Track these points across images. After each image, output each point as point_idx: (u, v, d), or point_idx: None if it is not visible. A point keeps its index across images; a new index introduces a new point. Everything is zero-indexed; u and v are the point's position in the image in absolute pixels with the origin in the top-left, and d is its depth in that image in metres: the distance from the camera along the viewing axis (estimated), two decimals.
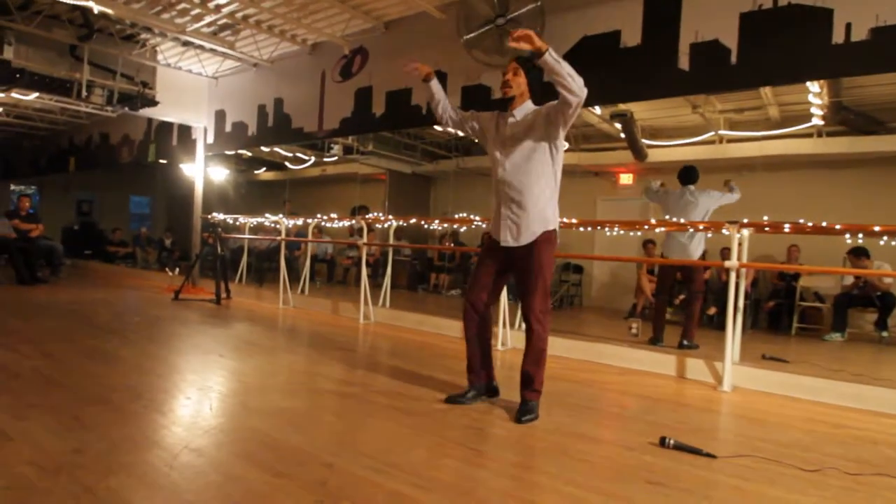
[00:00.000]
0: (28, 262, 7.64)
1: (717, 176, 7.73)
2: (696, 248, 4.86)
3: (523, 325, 2.88)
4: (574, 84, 2.47)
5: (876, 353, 5.50)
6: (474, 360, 2.93)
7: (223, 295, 6.79)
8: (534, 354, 2.73)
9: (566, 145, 2.92)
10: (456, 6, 5.06)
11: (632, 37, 4.53)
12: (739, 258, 3.82)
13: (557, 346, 4.55)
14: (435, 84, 2.95)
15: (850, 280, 6.38)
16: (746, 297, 4.77)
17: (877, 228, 3.63)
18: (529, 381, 2.73)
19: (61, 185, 14.20)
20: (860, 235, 4.11)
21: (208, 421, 2.42)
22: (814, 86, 6.06)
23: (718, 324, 6.34)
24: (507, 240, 2.77)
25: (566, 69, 2.46)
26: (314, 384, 3.27)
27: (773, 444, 2.51)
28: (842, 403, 3.37)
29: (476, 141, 3.06)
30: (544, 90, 2.60)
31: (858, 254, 6.04)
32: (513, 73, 2.77)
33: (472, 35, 4.89)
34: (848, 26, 3.72)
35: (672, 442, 2.35)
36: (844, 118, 6.80)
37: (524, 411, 2.67)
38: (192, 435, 2.22)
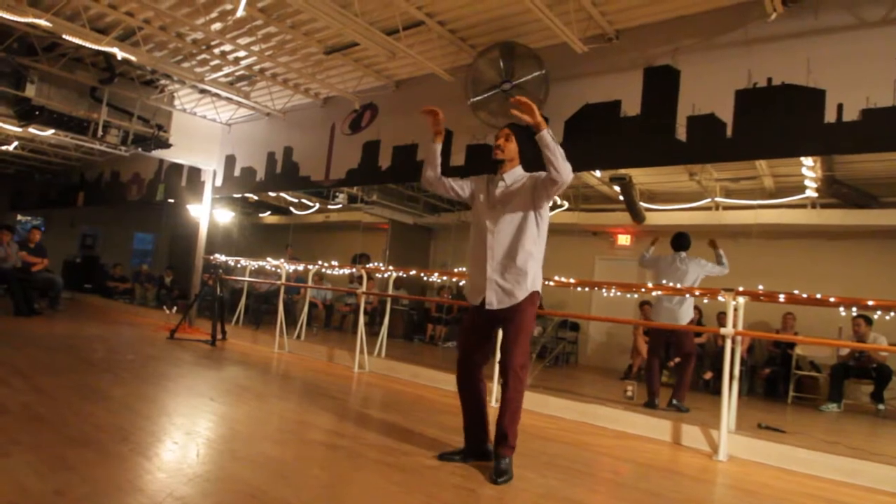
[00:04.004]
0: (26, 294, 7.63)
1: None
2: (684, 313, 4.93)
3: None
4: (563, 167, 2.59)
5: (872, 426, 5.42)
6: (467, 420, 2.91)
7: (219, 336, 6.77)
8: (510, 410, 2.71)
9: (550, 213, 2.99)
10: (464, 70, 5.30)
11: (632, 107, 4.73)
12: (735, 325, 3.84)
13: (553, 406, 4.51)
14: (439, 148, 2.95)
15: (846, 350, 6.36)
16: (742, 363, 4.76)
17: (870, 303, 3.67)
18: (504, 437, 2.70)
19: (67, 219, 14.36)
20: (854, 308, 4.15)
21: (194, 468, 2.39)
22: (807, 160, 6.24)
23: (714, 388, 6.28)
24: (493, 303, 2.78)
25: (560, 152, 2.58)
26: (304, 434, 3.23)
27: None
28: (838, 478, 3.31)
29: (461, 200, 3.11)
30: (536, 156, 2.71)
31: (865, 318, 6.07)
32: (505, 139, 2.87)
33: (478, 98, 5.11)
34: (840, 107, 3.89)
35: None
36: (838, 191, 6.96)
37: (500, 471, 2.63)
38: (176, 482, 2.19)
